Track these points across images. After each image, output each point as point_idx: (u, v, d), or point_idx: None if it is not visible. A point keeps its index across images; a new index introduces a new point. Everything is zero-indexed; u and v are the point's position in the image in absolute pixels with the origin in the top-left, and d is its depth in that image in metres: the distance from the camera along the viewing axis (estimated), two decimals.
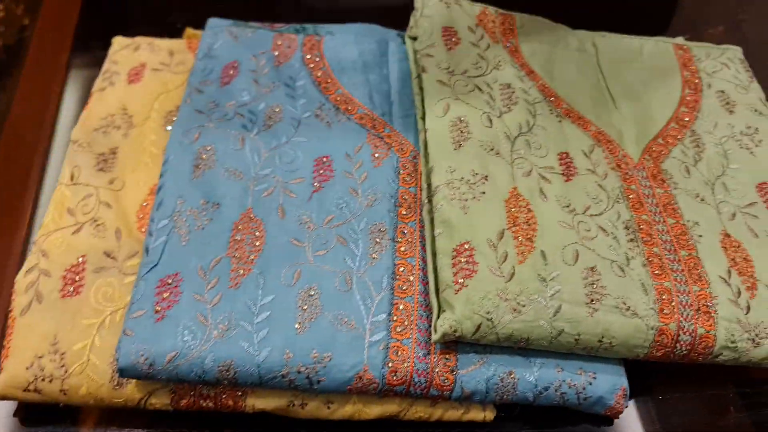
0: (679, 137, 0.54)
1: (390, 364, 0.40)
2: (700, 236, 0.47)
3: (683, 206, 0.49)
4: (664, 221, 0.48)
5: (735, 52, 0.63)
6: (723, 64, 0.61)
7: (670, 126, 0.55)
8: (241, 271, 0.43)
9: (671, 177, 0.51)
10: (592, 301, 0.41)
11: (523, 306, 0.40)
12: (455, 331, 0.40)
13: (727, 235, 0.48)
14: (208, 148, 0.48)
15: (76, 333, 0.42)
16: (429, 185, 0.46)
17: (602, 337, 0.41)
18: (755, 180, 0.52)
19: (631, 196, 0.48)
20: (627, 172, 0.50)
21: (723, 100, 0.58)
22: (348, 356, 0.40)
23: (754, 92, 0.59)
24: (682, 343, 0.42)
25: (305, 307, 0.42)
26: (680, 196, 0.50)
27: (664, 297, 0.43)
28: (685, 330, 0.42)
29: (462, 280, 0.41)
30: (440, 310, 0.41)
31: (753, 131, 0.55)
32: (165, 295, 0.42)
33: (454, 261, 0.42)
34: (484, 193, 0.45)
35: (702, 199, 0.50)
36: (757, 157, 0.54)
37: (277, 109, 0.51)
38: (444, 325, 0.40)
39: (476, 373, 0.41)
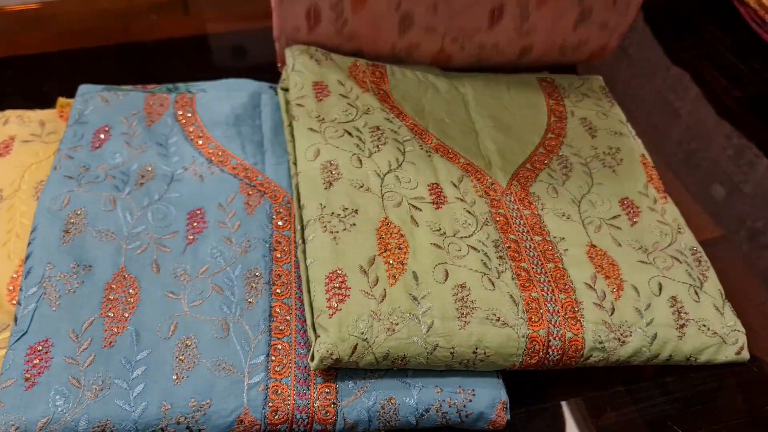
0: (546, 162, 0.57)
1: (270, 404, 0.40)
2: (566, 249, 0.49)
3: (550, 224, 0.51)
4: (532, 239, 0.50)
5: (596, 81, 0.67)
6: (584, 94, 0.65)
7: (538, 152, 0.58)
8: (115, 330, 0.43)
9: (539, 199, 0.53)
10: (463, 314, 0.43)
11: (397, 324, 0.41)
12: (332, 354, 0.40)
13: (593, 246, 0.50)
14: (78, 212, 0.48)
15: None
16: (302, 224, 0.47)
17: (476, 348, 0.42)
18: (618, 195, 0.55)
19: (498, 219, 0.50)
20: (495, 198, 0.52)
21: (586, 125, 0.61)
22: (228, 401, 0.40)
23: (614, 116, 0.63)
24: (553, 348, 0.43)
25: (182, 358, 0.42)
26: (547, 215, 0.52)
27: (532, 306, 0.44)
28: (554, 335, 0.43)
29: (336, 305, 0.42)
30: (316, 336, 0.41)
31: (615, 151, 0.59)
32: (35, 362, 0.41)
33: (327, 287, 0.42)
34: (354, 224, 0.46)
35: (568, 217, 0.52)
36: (618, 175, 0.57)
37: (150, 168, 0.52)
38: (321, 349, 0.40)
39: (357, 403, 0.41)
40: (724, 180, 0.66)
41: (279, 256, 0.47)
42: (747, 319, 0.51)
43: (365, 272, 0.43)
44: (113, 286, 0.45)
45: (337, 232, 0.45)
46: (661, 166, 0.62)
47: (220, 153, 0.53)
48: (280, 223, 0.49)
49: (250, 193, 0.51)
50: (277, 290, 0.45)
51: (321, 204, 0.47)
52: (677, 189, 0.63)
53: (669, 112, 0.72)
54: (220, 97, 0.58)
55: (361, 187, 0.49)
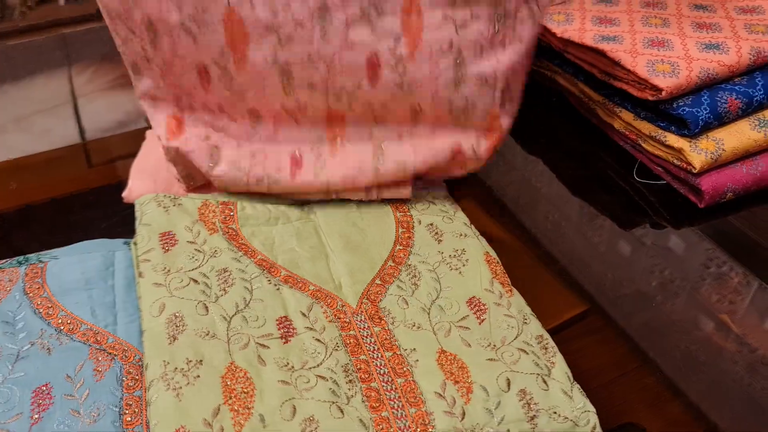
0: (395, 274, 0.60)
1: None
2: (417, 360, 0.51)
3: (401, 338, 0.53)
4: (382, 356, 0.51)
5: (440, 190, 0.71)
6: (430, 202, 0.69)
7: (387, 265, 0.60)
8: None
9: (389, 313, 0.55)
10: None
11: None
12: None
13: (443, 352, 0.52)
14: None
15: None
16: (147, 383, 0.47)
17: None
18: (466, 296, 0.58)
19: (349, 342, 0.52)
20: (345, 320, 0.54)
21: (432, 231, 0.65)
22: None
23: (458, 219, 0.67)
24: None
25: None
26: (397, 329, 0.54)
27: (383, 426, 0.46)
28: None
29: None
30: None
31: (460, 252, 0.62)
32: None
33: None
34: (198, 376, 0.47)
35: (419, 327, 0.55)
36: (464, 275, 0.60)
37: None
38: None
39: None
40: (585, 252, 0.71)
41: (129, 419, 0.47)
42: (619, 389, 0.54)
43: (210, 425, 0.44)
44: None
45: (180, 387, 0.46)
46: (529, 243, 0.66)
47: (69, 321, 0.54)
48: (131, 383, 0.49)
49: (100, 358, 0.51)
50: None
51: (165, 361, 0.48)
52: (539, 269, 0.67)
53: (533, 195, 0.78)
54: (71, 263, 0.59)
55: (207, 334, 0.50)
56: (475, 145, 0.65)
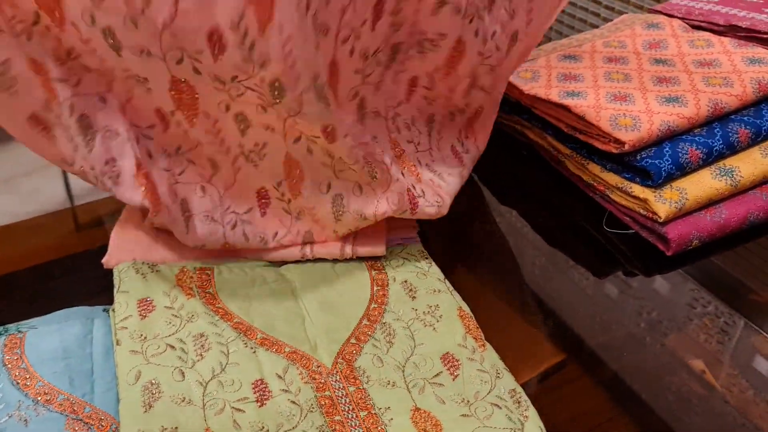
0: (370, 333, 0.61)
1: None
2: (391, 419, 0.52)
3: (375, 397, 0.54)
4: (357, 416, 0.52)
5: (415, 246, 0.73)
6: (404, 258, 0.71)
7: (362, 324, 0.62)
8: None
9: (364, 372, 0.56)
10: None
11: None
12: None
13: (418, 409, 0.53)
14: None
15: None
16: None
17: None
18: (440, 352, 0.59)
19: (324, 403, 0.53)
20: (320, 381, 0.55)
21: (407, 288, 0.66)
22: None
23: (432, 275, 0.68)
24: None
25: None
26: (372, 388, 0.55)
27: None
28: None
29: None
30: None
31: (434, 308, 0.64)
32: None
33: None
34: None
35: (393, 384, 0.55)
36: (438, 331, 0.61)
37: None
38: None
39: None
40: (560, 302, 0.72)
41: None
42: None
43: None
44: None
45: None
46: (504, 294, 0.68)
47: (47, 391, 0.54)
48: None
49: (77, 428, 0.51)
50: None
51: (140, 430, 0.48)
52: (515, 320, 0.68)
53: (507, 246, 0.80)
54: (50, 332, 0.59)
55: (183, 401, 0.51)
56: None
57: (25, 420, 0.52)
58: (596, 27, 1.03)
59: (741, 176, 0.73)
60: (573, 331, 0.71)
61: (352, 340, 0.60)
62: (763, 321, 0.68)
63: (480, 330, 0.62)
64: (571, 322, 0.72)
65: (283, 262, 0.69)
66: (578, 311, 0.73)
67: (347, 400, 0.54)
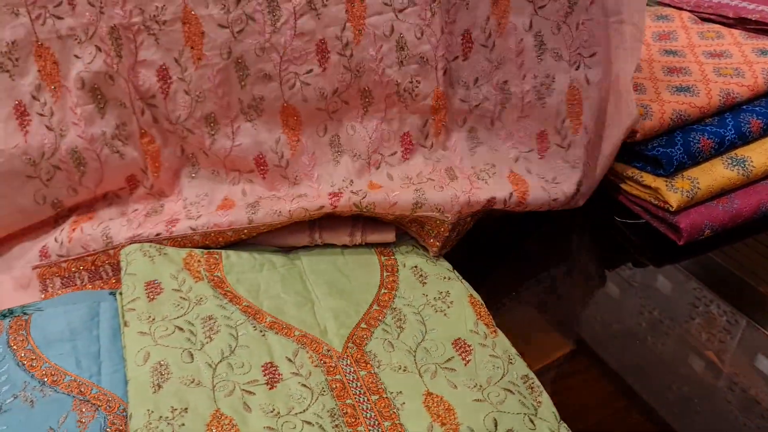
0: (380, 318, 0.60)
1: None
2: (403, 403, 0.51)
3: (387, 381, 0.53)
4: (369, 400, 0.51)
5: None
6: (413, 245, 0.70)
7: (373, 309, 0.61)
8: None
9: (375, 357, 0.56)
10: None
11: None
12: None
13: (430, 394, 0.52)
14: None
15: None
16: None
17: None
18: (451, 338, 0.58)
19: (335, 386, 0.52)
20: (331, 365, 0.54)
21: (417, 273, 0.65)
22: None
23: (442, 264, 0.68)
24: None
25: None
26: (383, 372, 0.54)
27: None
28: None
29: None
30: None
31: (445, 295, 0.63)
32: None
33: None
34: (183, 425, 0.46)
35: (404, 369, 0.55)
36: (449, 317, 0.61)
37: None
38: None
39: None
40: (571, 292, 0.72)
41: None
42: (609, 427, 0.55)
43: None
44: None
45: None
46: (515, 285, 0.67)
47: (53, 372, 0.53)
48: None
49: (84, 409, 0.50)
50: None
51: (149, 410, 0.47)
52: (526, 310, 0.67)
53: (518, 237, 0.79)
54: (56, 314, 0.58)
55: (192, 382, 0.50)
56: (421, 127, 0.70)
57: (31, 401, 0.51)
58: None
59: (753, 166, 0.72)
60: (583, 321, 0.70)
61: (363, 325, 0.59)
62: None
63: (491, 316, 0.62)
64: (582, 313, 0.71)
65: (292, 248, 0.68)
66: (589, 302, 0.72)
67: (358, 384, 0.53)
